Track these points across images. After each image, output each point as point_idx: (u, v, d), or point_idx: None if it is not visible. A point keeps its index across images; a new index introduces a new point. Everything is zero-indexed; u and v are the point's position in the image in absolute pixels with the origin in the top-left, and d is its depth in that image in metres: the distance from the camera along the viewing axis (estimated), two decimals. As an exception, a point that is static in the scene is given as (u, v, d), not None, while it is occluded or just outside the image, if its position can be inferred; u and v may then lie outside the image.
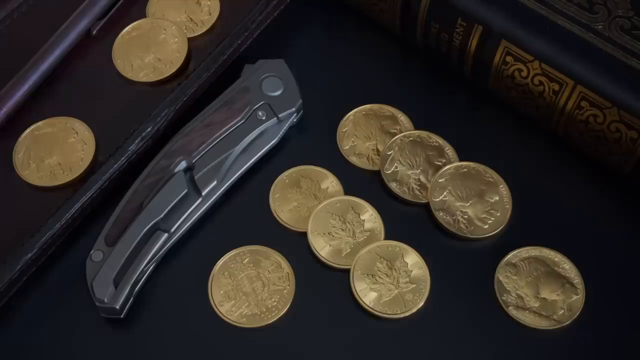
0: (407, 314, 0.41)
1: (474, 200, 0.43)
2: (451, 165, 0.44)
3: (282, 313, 0.41)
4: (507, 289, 0.41)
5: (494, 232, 0.43)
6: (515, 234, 0.42)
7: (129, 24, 0.46)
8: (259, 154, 0.44)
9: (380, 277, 0.41)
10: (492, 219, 0.43)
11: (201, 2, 0.47)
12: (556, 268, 0.42)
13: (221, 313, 0.41)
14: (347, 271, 0.42)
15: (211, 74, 0.45)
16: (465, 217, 0.43)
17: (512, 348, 0.40)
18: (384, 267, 0.42)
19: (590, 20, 0.42)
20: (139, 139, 0.43)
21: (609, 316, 0.41)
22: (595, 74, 0.41)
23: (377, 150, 0.45)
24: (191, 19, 0.47)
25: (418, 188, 0.44)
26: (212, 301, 0.41)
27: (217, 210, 0.43)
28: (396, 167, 0.44)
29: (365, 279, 0.41)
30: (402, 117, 0.46)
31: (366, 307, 0.41)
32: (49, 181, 0.42)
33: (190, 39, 0.46)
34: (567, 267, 0.42)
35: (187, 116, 0.44)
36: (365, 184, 0.44)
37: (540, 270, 0.41)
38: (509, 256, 0.42)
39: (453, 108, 0.47)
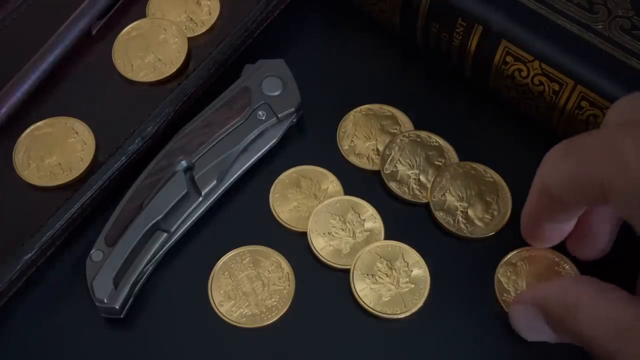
0: (407, 314, 0.41)
1: (474, 200, 0.43)
2: (451, 165, 0.44)
3: (282, 313, 0.41)
4: (507, 289, 0.41)
5: (494, 232, 0.43)
6: (515, 234, 0.42)
7: (129, 24, 0.46)
8: (259, 154, 0.44)
9: (380, 277, 0.41)
10: (492, 219, 0.43)
11: (201, 2, 0.47)
12: (556, 268, 0.42)
13: (221, 313, 0.41)
14: (347, 271, 0.42)
15: (211, 74, 0.45)
16: (465, 217, 0.43)
17: (512, 348, 0.40)
18: (384, 267, 0.42)
19: (590, 20, 0.42)
20: (139, 139, 0.43)
21: (609, 316, 0.41)
22: (595, 74, 0.41)
23: (377, 150, 0.45)
24: (191, 19, 0.47)
25: (418, 188, 0.44)
26: (212, 301, 0.41)
27: (217, 210, 0.43)
28: (396, 167, 0.44)
29: (365, 279, 0.41)
30: (402, 117, 0.46)
31: (366, 307, 0.41)
32: (49, 181, 0.42)
33: (190, 39, 0.46)
34: (567, 267, 0.42)
35: (187, 116, 0.44)
36: (365, 184, 0.44)
37: (540, 270, 0.41)
38: (509, 256, 0.42)
39: (453, 108, 0.47)
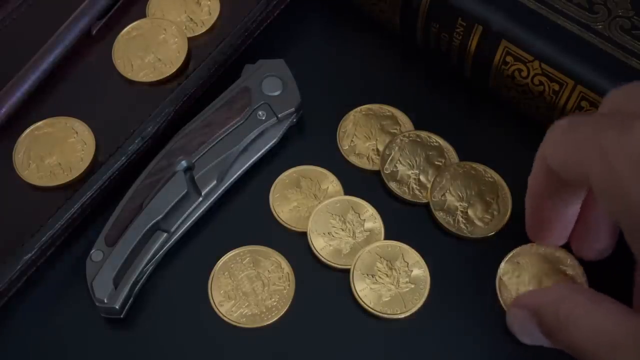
0: (407, 314, 0.41)
1: (474, 200, 0.43)
2: (451, 165, 0.44)
3: (282, 313, 0.41)
4: (508, 288, 0.41)
5: (494, 232, 0.43)
6: (516, 234, 0.42)
7: (129, 24, 0.46)
8: (259, 154, 0.44)
9: (380, 277, 0.41)
10: (492, 219, 0.43)
11: (201, 2, 0.47)
12: (559, 266, 0.42)
13: (221, 313, 0.41)
14: (347, 271, 0.42)
15: (211, 74, 0.45)
16: (465, 217, 0.43)
17: (512, 348, 0.40)
18: (384, 267, 0.42)
19: (590, 20, 0.42)
20: (139, 139, 0.43)
21: (609, 316, 0.41)
22: (595, 74, 0.41)
23: (377, 150, 0.45)
24: (191, 19, 0.47)
25: (418, 188, 0.44)
26: (212, 301, 0.41)
27: (217, 210, 0.43)
28: (396, 167, 0.44)
29: (365, 279, 0.41)
30: (402, 117, 0.46)
31: (366, 307, 0.41)
32: (49, 181, 0.42)
33: (190, 39, 0.46)
34: (569, 266, 0.42)
35: (187, 116, 0.44)
36: (365, 184, 0.44)
37: (542, 269, 0.41)
38: (509, 256, 0.42)
39: (453, 108, 0.47)
